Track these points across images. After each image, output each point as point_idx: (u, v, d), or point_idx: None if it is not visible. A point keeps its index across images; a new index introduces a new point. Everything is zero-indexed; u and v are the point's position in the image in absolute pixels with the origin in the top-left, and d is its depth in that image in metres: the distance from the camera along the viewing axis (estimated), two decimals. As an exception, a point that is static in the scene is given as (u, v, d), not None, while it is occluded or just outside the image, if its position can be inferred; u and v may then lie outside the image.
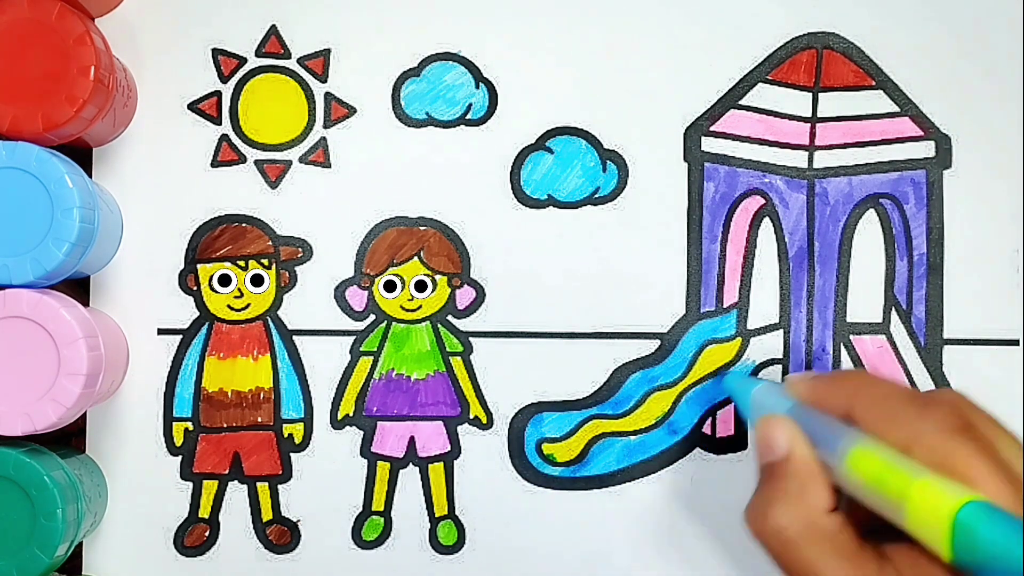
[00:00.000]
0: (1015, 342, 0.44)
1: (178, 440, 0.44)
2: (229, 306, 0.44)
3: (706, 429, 0.44)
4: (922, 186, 0.45)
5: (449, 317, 0.44)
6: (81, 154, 0.42)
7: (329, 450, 0.44)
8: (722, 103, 0.44)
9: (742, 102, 0.44)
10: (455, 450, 0.44)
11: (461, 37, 0.44)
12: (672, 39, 0.44)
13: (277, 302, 0.44)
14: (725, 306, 0.44)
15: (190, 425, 0.44)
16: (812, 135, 0.44)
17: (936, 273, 0.44)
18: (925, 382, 0.44)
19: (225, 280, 0.44)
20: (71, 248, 0.38)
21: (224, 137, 0.44)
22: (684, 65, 0.44)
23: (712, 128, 0.44)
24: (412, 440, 0.44)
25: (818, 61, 0.45)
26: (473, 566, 0.44)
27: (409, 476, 0.44)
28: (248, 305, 0.44)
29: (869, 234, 0.45)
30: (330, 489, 0.44)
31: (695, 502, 0.44)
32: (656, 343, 0.44)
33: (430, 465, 0.44)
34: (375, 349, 0.44)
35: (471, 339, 0.44)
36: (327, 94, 0.44)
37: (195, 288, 0.44)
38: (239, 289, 0.44)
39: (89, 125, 0.40)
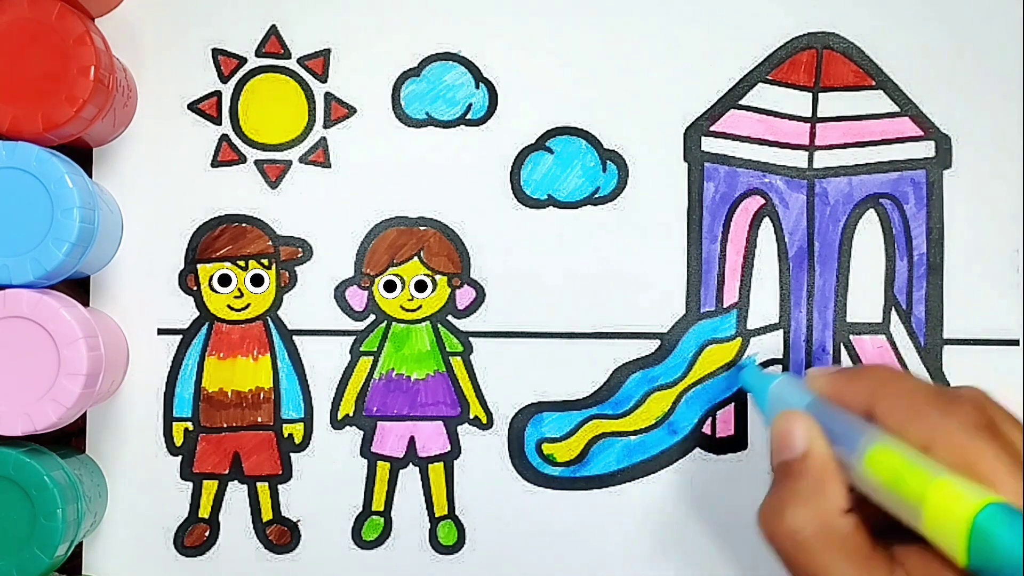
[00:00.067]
0: (1015, 342, 0.44)
1: (178, 440, 0.44)
2: (229, 306, 0.44)
3: (706, 429, 0.44)
4: (922, 186, 0.45)
5: (449, 317, 0.44)
6: (81, 154, 0.42)
7: (329, 450, 0.44)
8: (722, 103, 0.44)
9: (742, 102, 0.44)
10: (455, 450, 0.44)
11: (461, 37, 0.44)
12: (672, 39, 0.44)
13: (277, 302, 0.44)
14: (725, 306, 0.44)
15: (190, 425, 0.44)
16: (812, 135, 0.44)
17: (936, 273, 0.44)
18: (925, 382, 0.44)
19: (225, 280, 0.44)
20: (71, 248, 0.38)
21: (224, 137, 0.44)
22: (684, 65, 0.44)
23: (712, 128, 0.44)
24: (412, 440, 0.44)
25: (818, 61, 0.45)
26: (473, 566, 0.44)
27: (409, 476, 0.44)
28: (248, 305, 0.44)
29: (869, 234, 0.45)
30: (330, 489, 0.44)
31: (695, 502, 0.44)
32: (656, 343, 0.44)
33: (430, 465, 0.44)
34: (375, 349, 0.44)
35: (471, 339, 0.44)
36: (327, 94, 0.44)
37: (195, 288, 0.44)
38: (239, 289, 0.44)
39: (89, 125, 0.40)
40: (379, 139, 0.44)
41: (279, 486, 0.44)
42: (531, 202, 0.44)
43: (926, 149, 0.45)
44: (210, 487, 0.44)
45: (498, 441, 0.44)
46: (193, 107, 0.44)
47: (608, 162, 0.44)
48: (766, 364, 0.44)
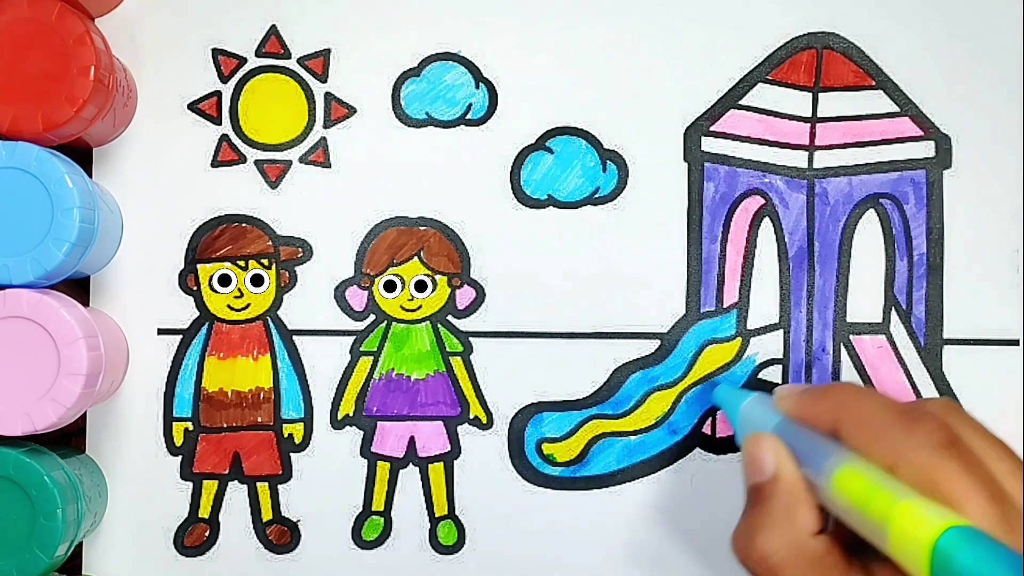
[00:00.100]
0: (1015, 342, 0.44)
1: (178, 440, 0.44)
2: (229, 306, 0.44)
3: (706, 429, 0.44)
4: (922, 186, 0.45)
5: (449, 317, 0.44)
6: (81, 154, 0.42)
7: (329, 450, 0.44)
8: (722, 103, 0.44)
9: (742, 102, 0.44)
10: (455, 450, 0.44)
11: (461, 37, 0.44)
12: (672, 39, 0.44)
13: (277, 302, 0.44)
14: (725, 306, 0.44)
15: (190, 425, 0.44)
16: (812, 135, 0.44)
17: (936, 273, 0.44)
18: (925, 382, 0.44)
19: (225, 280, 0.44)
20: (71, 248, 0.38)
21: (224, 137, 0.44)
22: (684, 65, 0.44)
23: (712, 128, 0.44)
24: (412, 440, 0.44)
25: (818, 61, 0.45)
26: (473, 566, 0.44)
27: (409, 476, 0.44)
28: (248, 305, 0.44)
29: (869, 234, 0.45)
30: (330, 489, 0.44)
31: (695, 502, 0.44)
32: (656, 343, 0.44)
33: (430, 465, 0.44)
34: (375, 349, 0.44)
35: (471, 339, 0.44)
36: (327, 94, 0.44)
37: (195, 288, 0.44)
38: (239, 289, 0.44)
39: (89, 125, 0.40)
40: (379, 139, 0.44)
41: (279, 486, 0.44)
42: (531, 202, 0.44)
43: (926, 149, 0.45)
44: (210, 487, 0.44)
45: (498, 441, 0.44)
46: (193, 107, 0.44)
47: (608, 162, 0.44)
48: (766, 364, 0.44)
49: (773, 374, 0.44)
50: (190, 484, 0.44)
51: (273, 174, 0.44)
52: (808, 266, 0.44)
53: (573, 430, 0.44)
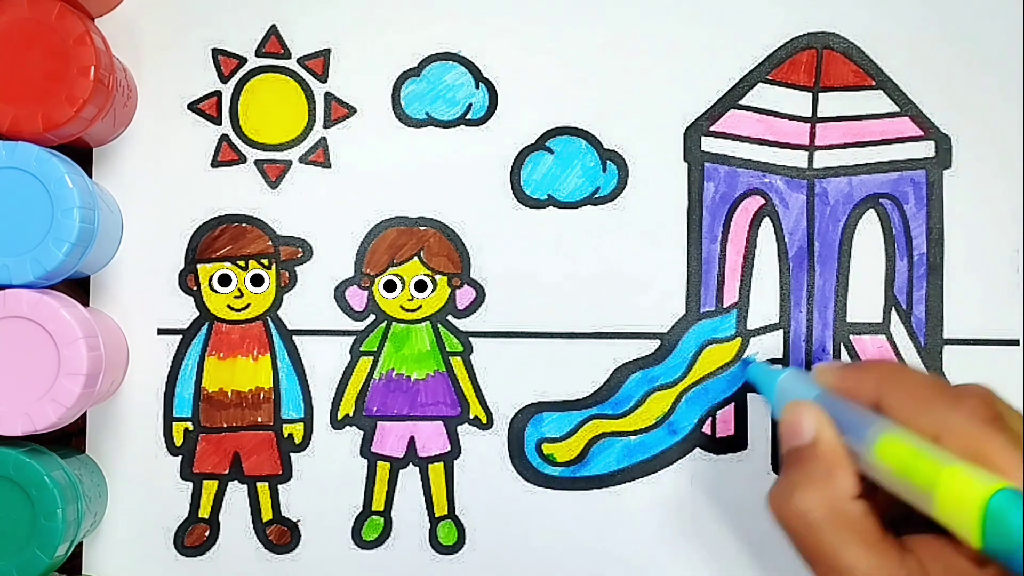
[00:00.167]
0: (1015, 342, 0.44)
1: (178, 440, 0.44)
2: (229, 306, 0.44)
3: (706, 429, 0.44)
4: (922, 186, 0.45)
5: (449, 317, 0.44)
6: (81, 154, 0.42)
7: (329, 450, 0.44)
8: (722, 103, 0.44)
9: (742, 102, 0.44)
10: (455, 450, 0.44)
11: (461, 37, 0.44)
12: (672, 39, 0.44)
13: (277, 302, 0.44)
14: (725, 306, 0.44)
15: (190, 425, 0.44)
16: (812, 135, 0.44)
17: (936, 273, 0.44)
18: (925, 382, 0.44)
19: (225, 280, 0.44)
20: (71, 248, 0.38)
21: (224, 137, 0.44)
22: (684, 65, 0.44)
23: (712, 128, 0.44)
24: (412, 440, 0.44)
25: (818, 61, 0.45)
26: (473, 566, 0.44)
27: (409, 476, 0.44)
28: (248, 305, 0.44)
29: (869, 234, 0.45)
30: (330, 489, 0.44)
31: (695, 502, 0.44)
32: (656, 343, 0.44)
33: (430, 465, 0.44)
34: (375, 349, 0.44)
35: (471, 339, 0.44)
36: (327, 94, 0.44)
37: (195, 288, 0.44)
38: (239, 289, 0.44)
39: (89, 125, 0.40)
40: (379, 139, 0.44)
41: (279, 486, 0.44)
42: (531, 202, 0.44)
43: (926, 149, 0.45)
44: (210, 487, 0.44)
45: (498, 441, 0.44)
46: (193, 107, 0.44)
47: (608, 162, 0.44)
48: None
49: (773, 374, 0.44)
50: (190, 484, 0.44)
51: (273, 174, 0.44)
52: (808, 266, 0.44)
53: (573, 430, 0.44)
